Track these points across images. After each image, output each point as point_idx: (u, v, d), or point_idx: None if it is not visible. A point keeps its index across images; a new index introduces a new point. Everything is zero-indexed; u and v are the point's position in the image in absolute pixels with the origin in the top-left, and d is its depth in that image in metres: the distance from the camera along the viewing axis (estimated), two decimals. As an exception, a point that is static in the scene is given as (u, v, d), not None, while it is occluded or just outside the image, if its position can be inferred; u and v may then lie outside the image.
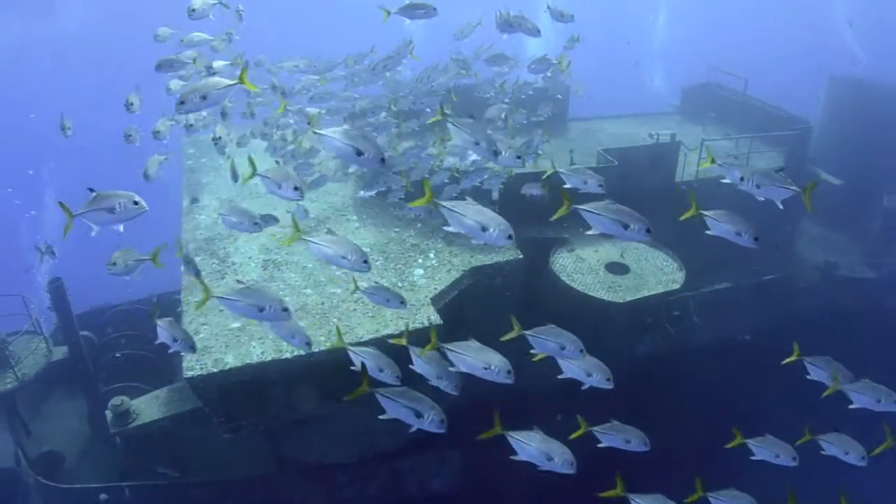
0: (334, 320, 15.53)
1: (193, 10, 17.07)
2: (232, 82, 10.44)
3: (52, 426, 21.60)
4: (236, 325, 15.62)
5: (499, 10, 16.09)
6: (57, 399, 22.48)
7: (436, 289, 16.65)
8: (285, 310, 11.24)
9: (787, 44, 62.36)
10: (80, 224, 10.01)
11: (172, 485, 18.93)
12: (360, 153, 10.36)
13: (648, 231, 10.95)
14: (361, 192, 18.85)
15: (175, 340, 12.34)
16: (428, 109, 17.97)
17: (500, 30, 16.23)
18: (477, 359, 11.48)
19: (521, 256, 17.92)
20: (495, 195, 18.02)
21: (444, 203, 10.62)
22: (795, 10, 64.73)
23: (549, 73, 20.20)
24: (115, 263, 11.86)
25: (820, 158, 26.77)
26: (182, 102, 10.57)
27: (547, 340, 11.70)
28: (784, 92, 29.61)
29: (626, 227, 11.08)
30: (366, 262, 11.59)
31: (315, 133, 10.94)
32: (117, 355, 22.44)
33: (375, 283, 15.38)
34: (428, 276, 17.14)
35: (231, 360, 14.62)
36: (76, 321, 21.25)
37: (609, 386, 12.12)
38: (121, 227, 10.20)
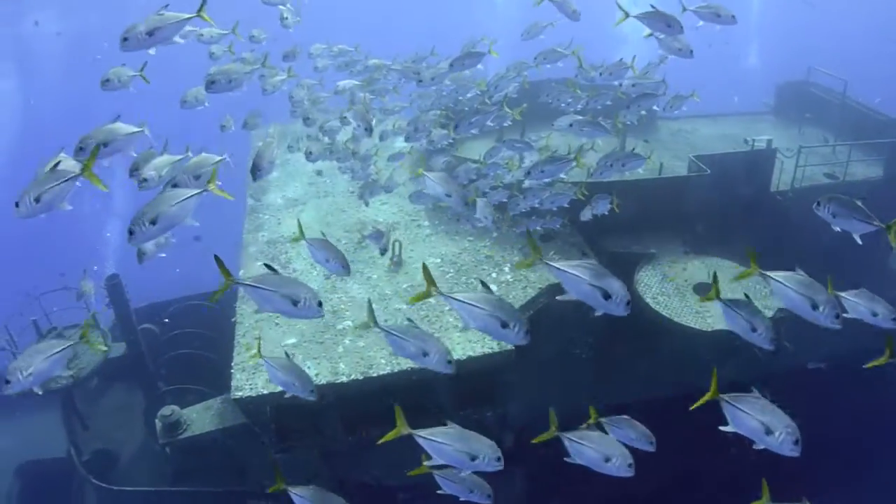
0: (398, 340, 13.83)
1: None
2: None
3: (109, 422, 20.44)
4: (292, 340, 14.13)
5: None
6: (116, 393, 21.32)
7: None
8: (320, 304, 9.16)
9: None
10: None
11: (227, 493, 17.55)
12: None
13: (629, 304, 8.88)
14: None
15: (328, 260, 11.04)
16: (474, 132, 16.02)
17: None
18: None
19: (605, 273, 15.99)
20: (556, 224, 16.21)
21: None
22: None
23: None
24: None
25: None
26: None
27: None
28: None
29: (606, 296, 8.88)
30: (449, 362, 9.65)
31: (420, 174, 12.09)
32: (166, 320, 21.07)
33: (409, 319, 13.61)
34: (502, 292, 15.34)
35: (282, 383, 13.04)
36: (135, 318, 20.00)
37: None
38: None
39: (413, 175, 15.11)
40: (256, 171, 12.00)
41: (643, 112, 14.97)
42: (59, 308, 20.43)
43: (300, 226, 11.22)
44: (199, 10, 10.22)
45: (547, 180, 14.50)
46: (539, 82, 20.28)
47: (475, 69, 16.16)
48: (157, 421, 16.24)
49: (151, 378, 20.72)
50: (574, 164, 13.79)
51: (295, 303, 8.86)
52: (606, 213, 15.34)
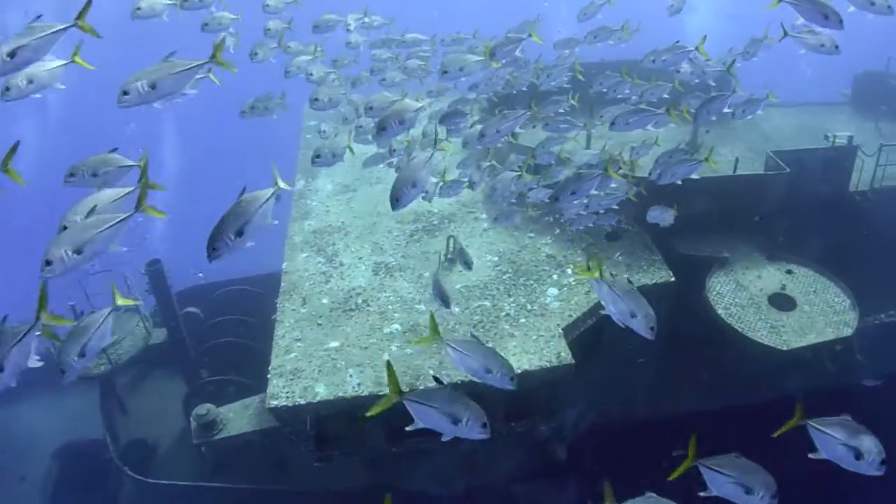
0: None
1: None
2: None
3: (147, 410, 19.46)
4: (334, 344, 12.82)
5: None
6: (156, 380, 20.32)
7: (570, 315, 13.34)
8: (484, 425, 8.12)
9: None
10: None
11: (265, 490, 16.41)
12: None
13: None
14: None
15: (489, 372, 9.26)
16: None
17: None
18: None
19: (674, 279, 14.43)
20: (612, 221, 14.55)
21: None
22: None
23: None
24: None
25: None
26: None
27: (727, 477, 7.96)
28: None
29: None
30: (512, 378, 9.09)
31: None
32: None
33: (472, 335, 12.37)
34: (563, 297, 13.84)
35: (322, 391, 11.86)
36: (176, 304, 18.87)
37: None
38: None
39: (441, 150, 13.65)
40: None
41: (713, 118, 13.05)
42: (101, 292, 19.34)
43: (432, 319, 9.46)
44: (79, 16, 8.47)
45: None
46: (593, 65, 18.66)
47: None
48: (192, 420, 15.11)
49: (193, 365, 19.64)
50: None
51: (456, 422, 8.11)
52: (671, 223, 13.78)
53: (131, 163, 9.00)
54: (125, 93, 8.23)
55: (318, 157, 12.49)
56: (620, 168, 13.86)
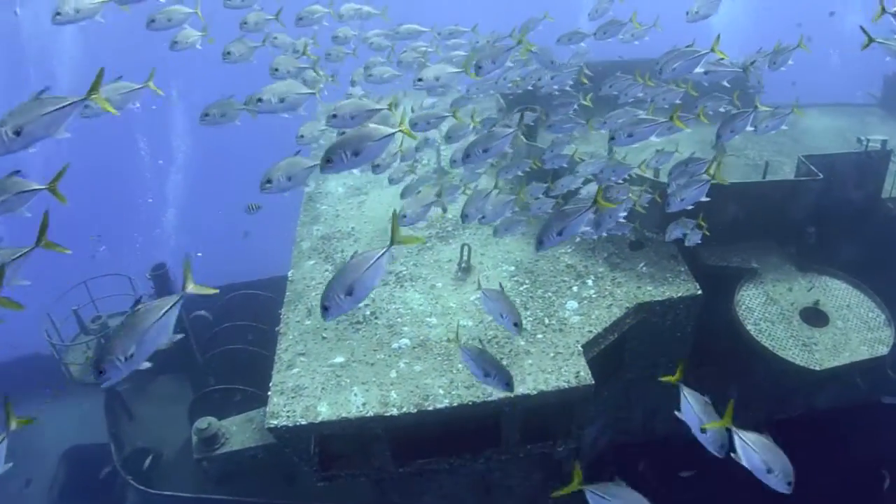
0: (459, 366, 11.54)
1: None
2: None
3: (152, 418, 18.62)
4: (339, 359, 11.93)
5: None
6: (162, 387, 19.48)
7: (591, 331, 12.37)
8: None
9: None
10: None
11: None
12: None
13: None
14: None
15: (487, 375, 9.02)
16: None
17: None
18: None
19: (700, 293, 13.41)
20: (626, 231, 13.38)
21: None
22: None
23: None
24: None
25: None
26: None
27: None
28: None
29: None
30: (508, 384, 9.01)
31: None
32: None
33: (480, 342, 11.72)
34: (583, 311, 12.86)
35: (324, 411, 10.99)
36: (182, 309, 18.02)
37: None
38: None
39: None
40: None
41: (733, 133, 11.88)
42: (107, 294, 18.58)
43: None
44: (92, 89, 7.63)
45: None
46: (604, 64, 17.63)
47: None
48: (193, 434, 14.26)
49: (200, 371, 18.80)
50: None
51: None
52: (698, 242, 12.79)
53: (36, 186, 7.88)
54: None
55: (206, 115, 11.11)
56: (640, 185, 12.95)
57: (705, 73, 12.69)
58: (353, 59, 15.02)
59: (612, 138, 11.57)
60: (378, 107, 9.92)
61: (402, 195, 13.61)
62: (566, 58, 14.32)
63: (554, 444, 12.50)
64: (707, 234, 12.66)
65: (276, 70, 12.53)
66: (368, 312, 12.93)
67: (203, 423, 14.12)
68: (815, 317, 14.29)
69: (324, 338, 12.40)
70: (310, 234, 15.38)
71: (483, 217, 11.26)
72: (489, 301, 9.43)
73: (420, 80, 11.16)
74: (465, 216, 11.17)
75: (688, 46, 12.20)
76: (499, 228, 12.64)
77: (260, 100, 10.35)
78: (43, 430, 21.70)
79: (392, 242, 7.45)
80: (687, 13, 12.69)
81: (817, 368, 13.09)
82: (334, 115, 9.90)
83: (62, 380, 18.14)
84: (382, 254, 7.35)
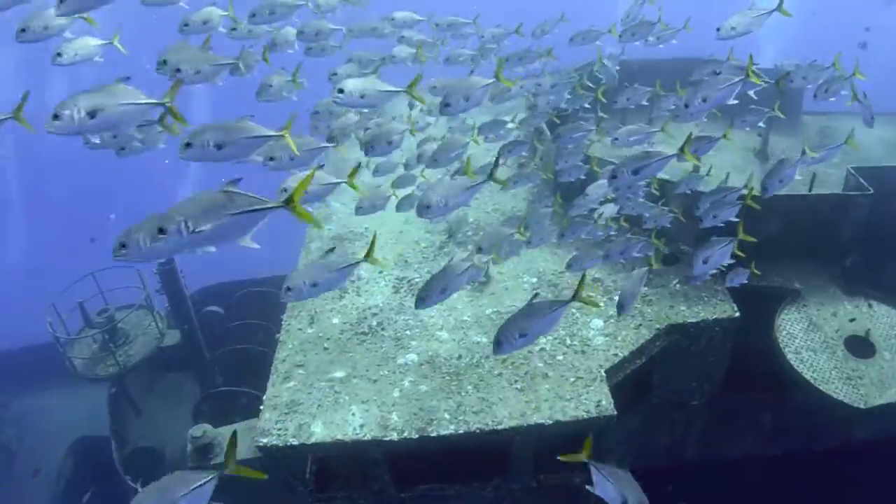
0: (469, 388, 10.33)
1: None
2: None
3: (159, 412, 17.69)
4: (340, 373, 10.79)
5: None
6: (170, 382, 18.50)
7: (616, 355, 11.07)
8: None
9: None
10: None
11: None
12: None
13: None
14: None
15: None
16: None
17: None
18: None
19: (738, 315, 12.05)
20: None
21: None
22: None
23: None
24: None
25: None
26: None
27: None
28: None
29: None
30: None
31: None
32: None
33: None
34: (609, 331, 11.58)
35: (318, 431, 9.89)
36: (191, 305, 17.01)
37: None
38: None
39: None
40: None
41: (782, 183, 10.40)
42: (116, 287, 17.60)
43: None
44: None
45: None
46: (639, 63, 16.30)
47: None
48: (188, 442, 13.21)
49: (208, 370, 17.77)
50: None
51: None
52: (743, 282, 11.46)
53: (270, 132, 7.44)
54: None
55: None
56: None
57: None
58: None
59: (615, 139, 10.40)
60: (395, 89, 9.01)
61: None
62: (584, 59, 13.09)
63: (571, 473, 11.25)
64: (741, 255, 11.27)
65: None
66: (375, 323, 11.77)
67: (198, 430, 13.02)
68: (860, 346, 12.86)
69: (325, 349, 11.27)
70: (320, 235, 14.22)
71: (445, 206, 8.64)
72: (604, 483, 7.78)
73: (341, 91, 8.98)
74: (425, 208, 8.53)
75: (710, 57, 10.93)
76: (533, 238, 11.33)
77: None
78: (53, 419, 21.00)
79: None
80: (719, 30, 10.47)
81: (862, 406, 11.72)
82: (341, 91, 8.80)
83: (67, 373, 17.24)
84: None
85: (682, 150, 8.85)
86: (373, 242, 7.76)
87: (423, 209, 8.12)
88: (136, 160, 10.25)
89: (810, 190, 14.54)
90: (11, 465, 20.17)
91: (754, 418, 14.14)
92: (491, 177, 8.64)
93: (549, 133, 14.43)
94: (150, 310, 17.10)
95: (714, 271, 11.02)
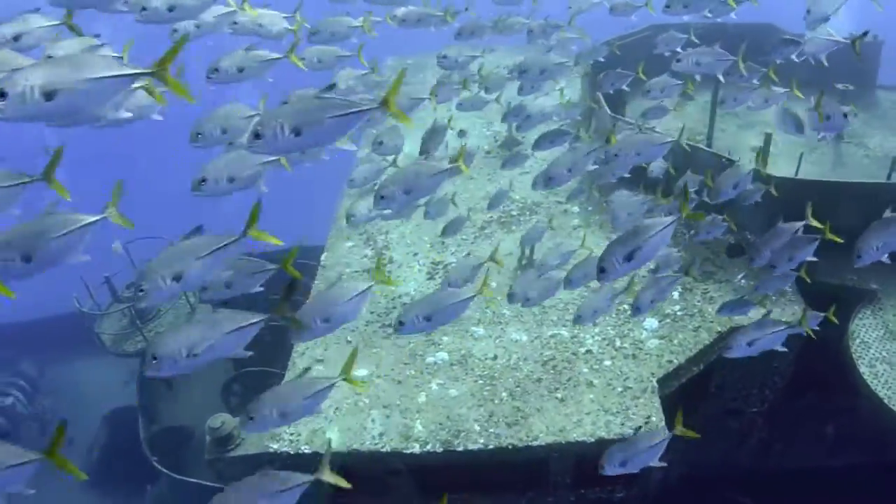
0: (504, 394, 9.06)
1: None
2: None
3: (188, 391, 16.65)
4: (362, 372, 9.58)
5: None
6: (200, 361, 17.45)
7: (671, 361, 9.68)
8: None
9: None
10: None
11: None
12: None
13: None
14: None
15: None
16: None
17: None
18: None
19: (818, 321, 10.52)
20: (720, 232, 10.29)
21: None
22: None
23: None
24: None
25: None
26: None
27: None
28: None
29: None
30: None
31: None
32: None
33: None
34: (664, 333, 10.18)
35: (334, 438, 8.69)
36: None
37: None
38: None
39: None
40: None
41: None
42: (146, 258, 16.62)
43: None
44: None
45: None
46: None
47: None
48: (206, 433, 12.22)
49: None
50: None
51: None
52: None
53: None
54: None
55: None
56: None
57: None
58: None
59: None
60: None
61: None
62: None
63: (613, 489, 9.95)
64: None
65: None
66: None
67: (216, 420, 11.96)
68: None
69: (348, 342, 10.09)
70: (326, 277, 12.83)
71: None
72: None
73: (215, 70, 7.93)
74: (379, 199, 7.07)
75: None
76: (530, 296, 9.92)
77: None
78: (88, 389, 20.35)
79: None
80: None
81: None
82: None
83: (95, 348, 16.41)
84: (670, 223, 6.31)
85: (682, 209, 7.29)
86: (351, 358, 6.49)
87: (378, 200, 6.77)
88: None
89: (889, 177, 12.78)
90: (45, 434, 19.53)
91: (818, 427, 12.72)
92: (456, 164, 7.19)
93: (606, 106, 13.01)
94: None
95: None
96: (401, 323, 6.87)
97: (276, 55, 8.20)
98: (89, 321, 16.43)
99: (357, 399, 9.18)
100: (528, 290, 8.37)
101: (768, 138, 12.08)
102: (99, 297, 16.34)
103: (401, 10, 10.41)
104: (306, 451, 8.73)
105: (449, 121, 10.49)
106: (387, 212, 8.19)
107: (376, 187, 6.76)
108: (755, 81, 10.20)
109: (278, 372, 14.55)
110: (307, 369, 9.73)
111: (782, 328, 8.43)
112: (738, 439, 12.53)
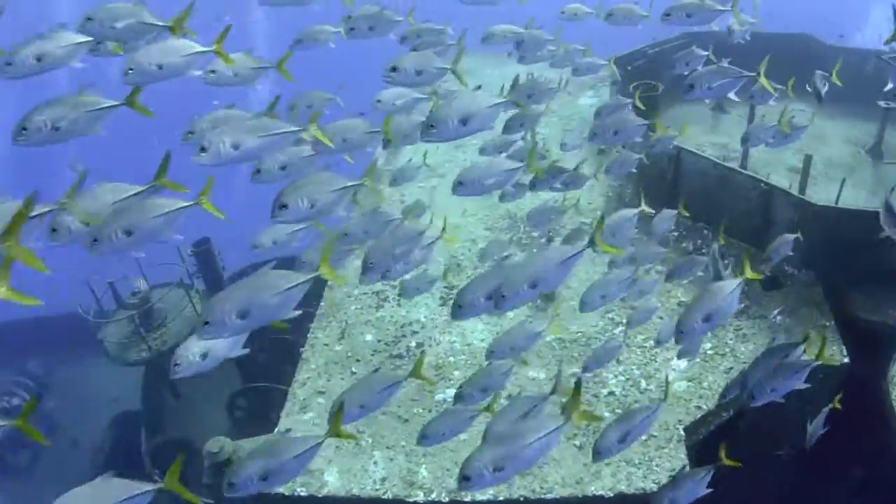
0: (517, 437, 8.28)
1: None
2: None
3: (193, 401, 16.00)
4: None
5: None
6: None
7: (699, 407, 8.88)
8: None
9: None
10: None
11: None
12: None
13: None
14: None
15: None
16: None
17: None
18: None
19: (847, 360, 9.71)
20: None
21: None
22: None
23: None
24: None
25: None
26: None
27: None
28: None
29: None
30: None
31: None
32: None
33: None
34: (693, 374, 9.37)
35: (332, 482, 8.07)
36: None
37: None
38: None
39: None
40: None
41: None
42: (152, 264, 15.99)
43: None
44: None
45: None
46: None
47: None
48: (204, 457, 11.59)
49: (249, 358, 16.11)
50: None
51: None
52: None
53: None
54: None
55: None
56: None
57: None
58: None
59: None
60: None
61: None
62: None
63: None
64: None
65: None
66: (414, 344, 9.83)
67: (215, 445, 11.31)
68: None
69: (353, 373, 9.37)
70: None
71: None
72: None
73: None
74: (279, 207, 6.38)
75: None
76: (678, 269, 9.10)
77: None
78: (97, 391, 19.86)
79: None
80: None
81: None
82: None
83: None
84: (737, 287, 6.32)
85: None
86: (339, 413, 5.97)
87: (277, 209, 6.13)
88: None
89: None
90: (53, 434, 19.06)
91: (852, 470, 11.89)
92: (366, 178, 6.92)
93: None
94: (188, 289, 15.42)
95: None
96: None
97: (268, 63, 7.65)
98: (94, 327, 15.93)
99: (362, 434, 8.47)
100: None
101: (808, 160, 11.28)
102: (107, 303, 15.83)
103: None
104: (302, 493, 8.03)
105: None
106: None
107: None
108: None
109: (283, 388, 13.97)
110: (288, 430, 8.96)
111: (802, 366, 7.56)
112: (767, 483, 11.74)
